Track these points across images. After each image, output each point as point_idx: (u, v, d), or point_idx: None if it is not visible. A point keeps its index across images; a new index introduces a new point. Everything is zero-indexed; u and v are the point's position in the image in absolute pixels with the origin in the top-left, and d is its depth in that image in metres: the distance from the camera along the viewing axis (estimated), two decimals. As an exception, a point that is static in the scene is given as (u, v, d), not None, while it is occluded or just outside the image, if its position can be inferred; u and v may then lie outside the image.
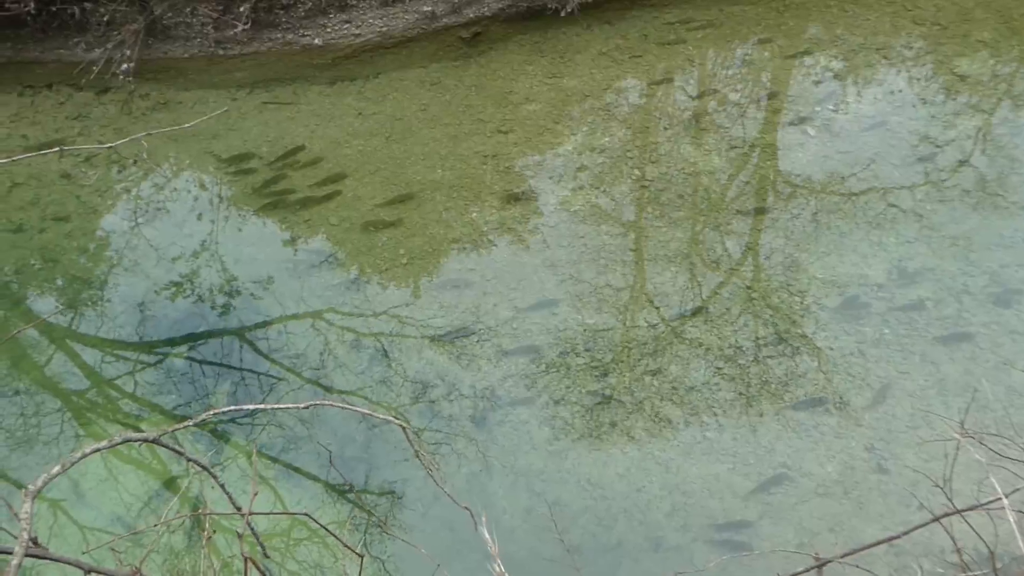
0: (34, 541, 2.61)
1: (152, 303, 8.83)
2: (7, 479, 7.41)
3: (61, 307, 9.01)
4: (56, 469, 2.70)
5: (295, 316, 8.48)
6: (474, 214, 9.30)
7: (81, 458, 2.84)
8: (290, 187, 9.93)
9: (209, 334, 8.48)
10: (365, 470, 7.18)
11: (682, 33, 11.66)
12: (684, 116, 10.38)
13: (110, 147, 3.45)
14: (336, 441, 7.37)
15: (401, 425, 3.33)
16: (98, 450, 2.95)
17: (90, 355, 8.39)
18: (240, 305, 8.71)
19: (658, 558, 6.37)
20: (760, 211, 9.03)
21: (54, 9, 12.12)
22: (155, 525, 6.63)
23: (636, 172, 9.61)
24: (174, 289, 8.95)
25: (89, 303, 9.00)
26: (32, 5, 11.73)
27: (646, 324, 8.02)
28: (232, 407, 3.16)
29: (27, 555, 2.47)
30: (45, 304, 9.13)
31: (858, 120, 9.88)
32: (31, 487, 2.58)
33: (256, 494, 3.02)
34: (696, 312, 8.07)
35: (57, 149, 3.07)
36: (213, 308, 8.72)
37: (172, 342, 8.44)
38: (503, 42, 12.03)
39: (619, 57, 11.41)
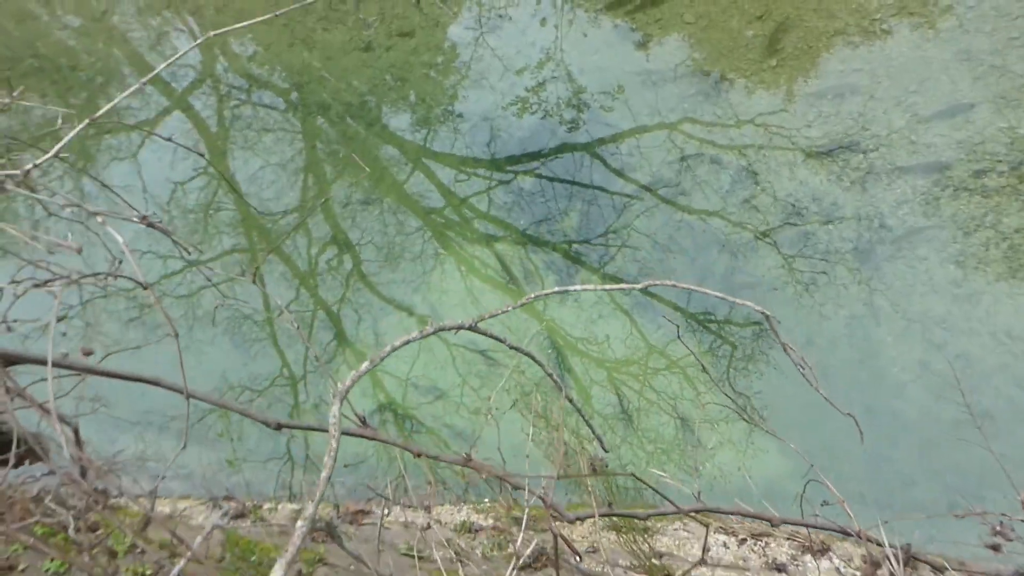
0: (363, 420, 2.75)
1: (500, 119, 8.49)
2: (376, 293, 7.70)
3: (414, 125, 9.02)
4: (365, 366, 2.57)
5: (648, 129, 7.69)
6: (859, -2, 7.65)
7: (391, 351, 2.68)
8: (637, -19, 8.88)
9: (559, 151, 8.00)
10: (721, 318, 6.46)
11: None
12: None
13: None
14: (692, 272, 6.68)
15: (764, 313, 2.92)
16: (408, 342, 2.79)
17: (444, 173, 8.33)
18: (589, 119, 8.07)
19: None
20: None
21: None
22: (489, 406, 6.52)
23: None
24: (520, 104, 8.52)
25: (440, 120, 8.88)
26: None
27: (1104, 132, 6.17)
28: (558, 288, 2.67)
29: (354, 434, 2.67)
30: (400, 121, 9.18)
31: None
32: (341, 386, 2.46)
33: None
34: None
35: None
36: (561, 123, 8.18)
37: (522, 159, 8.10)
38: None
39: None
